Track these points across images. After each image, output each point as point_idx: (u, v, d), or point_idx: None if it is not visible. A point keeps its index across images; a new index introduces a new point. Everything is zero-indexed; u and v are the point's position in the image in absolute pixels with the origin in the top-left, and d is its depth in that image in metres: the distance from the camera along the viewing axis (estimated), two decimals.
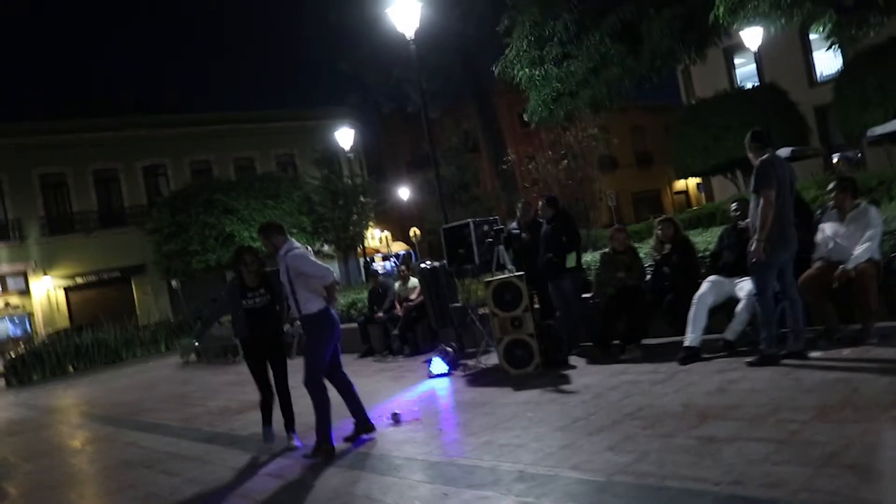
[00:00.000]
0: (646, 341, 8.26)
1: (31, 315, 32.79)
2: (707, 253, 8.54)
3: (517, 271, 8.72)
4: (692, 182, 51.36)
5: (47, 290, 32.90)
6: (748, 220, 6.77)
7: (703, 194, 47.83)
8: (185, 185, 30.65)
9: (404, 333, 12.07)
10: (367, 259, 28.14)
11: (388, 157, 51.94)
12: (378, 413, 7.64)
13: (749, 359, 6.59)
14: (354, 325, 13.54)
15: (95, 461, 8.17)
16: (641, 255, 8.79)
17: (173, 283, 30.50)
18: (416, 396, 8.33)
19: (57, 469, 8.10)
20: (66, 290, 33.43)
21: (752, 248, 6.36)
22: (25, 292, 32.86)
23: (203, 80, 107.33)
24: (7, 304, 32.51)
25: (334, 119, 28.59)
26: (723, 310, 7.54)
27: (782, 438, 4.42)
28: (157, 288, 34.09)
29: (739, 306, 7.17)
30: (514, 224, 9.76)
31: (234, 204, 26.61)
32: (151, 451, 8.14)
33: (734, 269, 7.42)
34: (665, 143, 48.35)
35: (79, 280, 33.61)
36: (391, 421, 7.08)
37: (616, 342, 8.35)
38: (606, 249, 8.70)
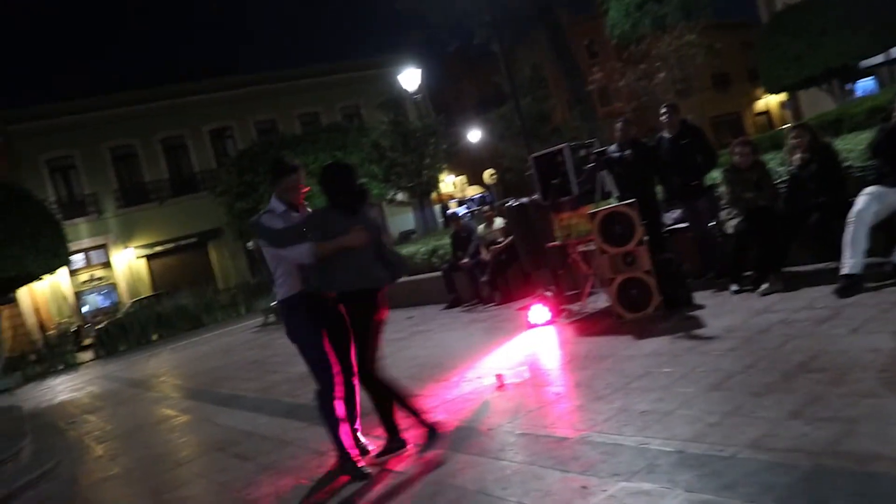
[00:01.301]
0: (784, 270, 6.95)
1: (115, 286, 33.02)
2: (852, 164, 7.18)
3: (622, 199, 7.53)
4: (774, 102, 48.46)
5: (128, 261, 33.04)
6: None
7: (788, 112, 44.93)
8: (251, 144, 30.00)
9: (494, 279, 10.99)
10: (444, 204, 27.03)
11: (454, 102, 50.42)
12: (477, 374, 6.63)
13: None
14: (438, 273, 12.55)
15: (167, 444, 7.40)
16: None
17: (249, 244, 30.07)
18: (518, 352, 7.24)
19: (127, 454, 7.37)
20: (147, 258, 33.50)
21: None
22: (108, 264, 33.06)
23: (261, 38, 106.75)
24: (92, 277, 32.77)
25: (397, 66, 27.26)
26: (884, 228, 6.21)
27: None
28: (234, 250, 33.84)
29: None
30: (613, 147, 8.49)
31: (301, 159, 25.74)
32: (226, 429, 7.31)
33: None
34: (743, 62, 45.69)
35: (157, 248, 33.61)
36: (495, 384, 6.01)
37: (749, 273, 7.08)
38: (727, 167, 7.37)
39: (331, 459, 5.19)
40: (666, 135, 8.17)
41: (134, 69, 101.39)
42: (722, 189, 7.34)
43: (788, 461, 3.22)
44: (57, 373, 20.55)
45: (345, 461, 4.74)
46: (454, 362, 7.46)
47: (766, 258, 6.84)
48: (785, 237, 6.88)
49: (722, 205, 7.31)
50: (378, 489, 4.38)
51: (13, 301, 23.57)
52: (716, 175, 7.97)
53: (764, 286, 6.68)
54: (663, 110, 8.24)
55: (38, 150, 32.15)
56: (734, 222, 7.12)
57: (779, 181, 7.31)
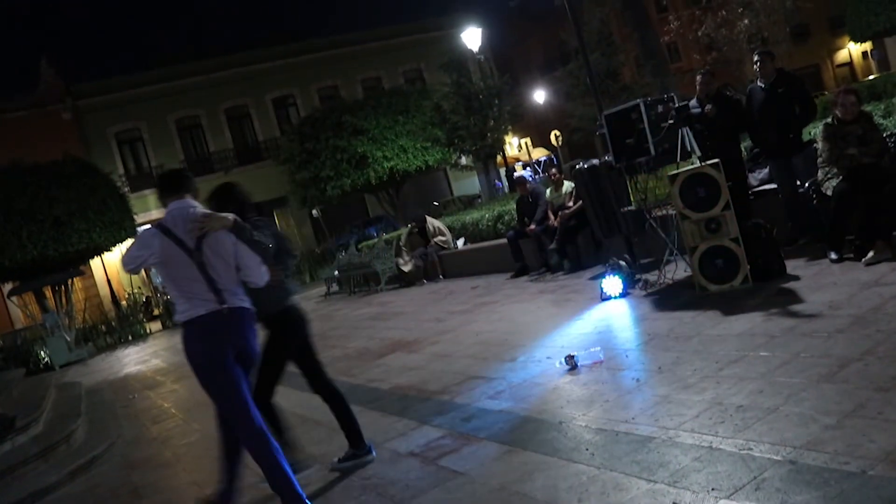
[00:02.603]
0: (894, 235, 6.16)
1: None
2: None
3: (705, 159, 6.81)
4: (857, 52, 45.98)
5: None
6: None
7: (874, 62, 42.56)
8: (312, 111, 29.67)
9: (563, 247, 10.36)
10: (509, 168, 26.31)
11: (518, 63, 49.35)
12: (546, 353, 6.07)
13: None
14: (503, 240, 11.97)
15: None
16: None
17: (314, 212, 29.97)
18: (590, 328, 6.64)
19: (180, 437, 7.07)
20: None
21: None
22: None
23: (322, 3, 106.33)
24: None
25: (459, 27, 26.44)
26: None
27: None
28: (299, 218, 33.82)
29: None
30: (693, 101, 7.73)
31: (363, 124, 25.27)
32: (279, 411, 6.93)
33: None
34: (823, 11, 43.32)
35: None
36: (566, 366, 5.44)
37: (850, 239, 6.32)
38: (828, 120, 6.57)
39: (384, 453, 4.74)
40: (760, 84, 7.37)
41: (197, 40, 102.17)
42: (819, 145, 6.55)
43: None
44: (126, 343, 20.74)
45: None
46: (521, 339, 6.92)
47: (872, 222, 6.07)
48: (895, 198, 6.08)
49: (819, 163, 6.52)
50: (435, 493, 3.88)
51: (83, 273, 23.85)
52: (811, 130, 7.19)
53: (870, 255, 5.93)
54: (756, 58, 7.45)
55: (107, 123, 32.52)
56: (833, 182, 6.33)
57: (887, 134, 6.49)
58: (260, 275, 4.16)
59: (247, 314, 4.13)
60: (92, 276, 29.41)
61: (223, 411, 4.22)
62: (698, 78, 7.84)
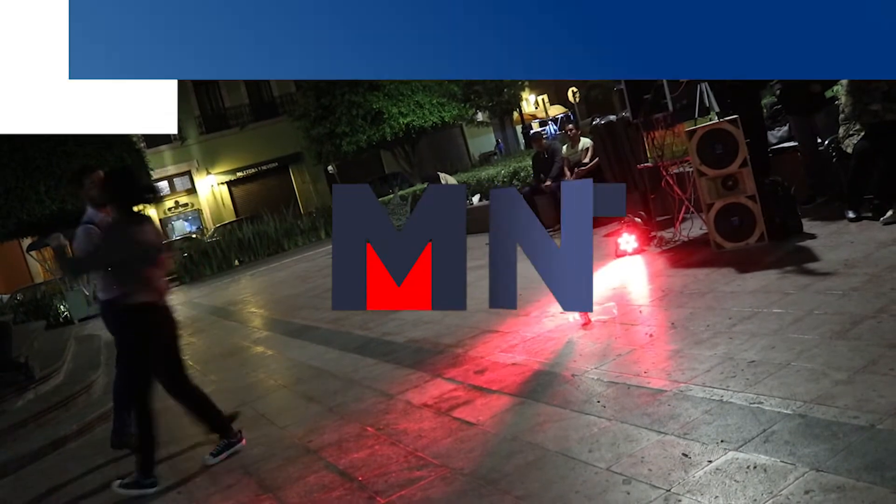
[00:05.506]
0: None
1: (200, 212, 33.56)
2: None
3: (724, 115, 6.74)
4: None
5: (211, 187, 33.45)
6: None
7: None
8: None
9: None
10: (526, 125, 26.13)
11: None
12: (560, 308, 6.08)
13: None
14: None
15: (236, 379, 7.15)
16: None
17: (329, 168, 29.95)
18: (605, 284, 6.64)
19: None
20: (229, 184, 33.83)
21: None
22: (192, 191, 33.56)
23: None
24: (177, 204, 33.34)
25: None
26: None
27: None
28: (315, 174, 33.84)
29: None
30: None
31: (378, 81, 25.15)
32: (296, 364, 7.05)
33: None
34: None
35: (239, 174, 33.87)
36: (580, 321, 5.47)
37: (869, 198, 6.26)
38: None
39: (399, 404, 4.80)
40: None
41: None
42: (841, 101, 6.46)
43: None
44: None
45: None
46: (535, 295, 6.91)
47: (891, 181, 5.99)
48: None
49: (841, 119, 6.44)
50: (448, 443, 3.94)
51: None
52: (834, 87, 7.08)
53: (888, 213, 5.86)
54: None
55: None
56: (854, 139, 6.26)
57: None
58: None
59: (107, 306, 4.88)
60: None
61: None
62: None
